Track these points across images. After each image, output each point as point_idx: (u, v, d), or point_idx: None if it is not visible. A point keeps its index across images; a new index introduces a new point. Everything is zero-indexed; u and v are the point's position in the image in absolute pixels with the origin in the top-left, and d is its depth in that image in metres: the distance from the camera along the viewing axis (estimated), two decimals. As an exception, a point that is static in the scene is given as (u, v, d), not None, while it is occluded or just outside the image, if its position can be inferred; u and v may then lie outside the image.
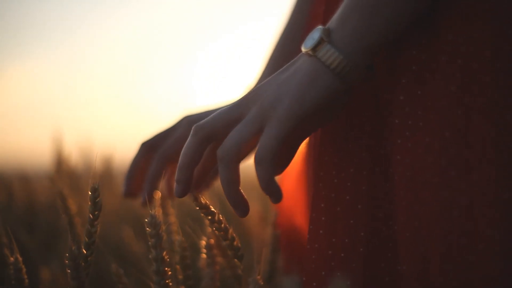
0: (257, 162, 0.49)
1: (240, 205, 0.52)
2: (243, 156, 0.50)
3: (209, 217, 0.55)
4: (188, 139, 0.52)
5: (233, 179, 0.50)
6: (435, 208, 0.48)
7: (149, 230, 0.55)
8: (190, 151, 0.52)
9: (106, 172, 1.38)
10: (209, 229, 0.62)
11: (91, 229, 0.56)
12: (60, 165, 1.39)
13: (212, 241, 0.62)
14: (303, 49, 0.51)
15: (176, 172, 0.53)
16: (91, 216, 0.56)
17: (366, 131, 0.53)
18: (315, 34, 0.50)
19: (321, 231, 0.53)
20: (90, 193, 0.55)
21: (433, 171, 0.49)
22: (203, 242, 0.62)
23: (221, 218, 0.56)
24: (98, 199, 0.55)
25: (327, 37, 0.49)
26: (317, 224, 0.53)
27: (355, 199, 0.52)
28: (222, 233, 0.56)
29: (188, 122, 0.66)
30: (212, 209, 0.55)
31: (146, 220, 0.54)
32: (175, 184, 0.53)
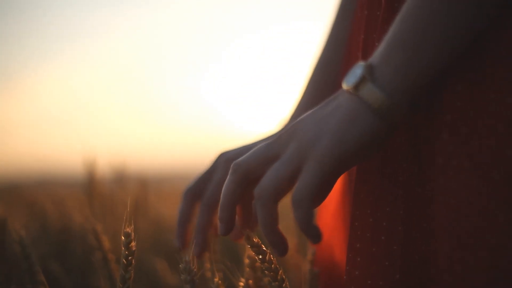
0: (295, 203, 0.47)
1: (279, 245, 0.50)
2: (280, 195, 0.48)
3: (260, 256, 0.53)
4: (227, 178, 0.51)
5: (270, 219, 0.49)
6: (481, 254, 0.46)
7: (183, 276, 0.53)
8: (229, 191, 0.51)
9: (140, 196, 1.37)
10: (247, 269, 0.60)
11: (125, 275, 0.54)
12: (92, 187, 1.39)
13: (250, 282, 0.60)
14: (344, 86, 0.48)
15: (219, 211, 0.52)
16: (124, 261, 0.54)
17: (403, 169, 0.51)
18: (357, 71, 0.48)
19: (356, 272, 0.51)
20: (123, 238, 0.54)
21: (480, 216, 0.46)
22: (241, 284, 0.60)
23: (272, 258, 0.54)
24: (132, 244, 0.54)
25: (369, 75, 0.47)
26: (353, 265, 0.52)
27: (390, 239, 0.50)
28: (272, 273, 0.54)
29: (225, 160, 0.64)
30: (264, 248, 0.54)
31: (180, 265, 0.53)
32: (219, 224, 0.53)
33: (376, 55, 0.48)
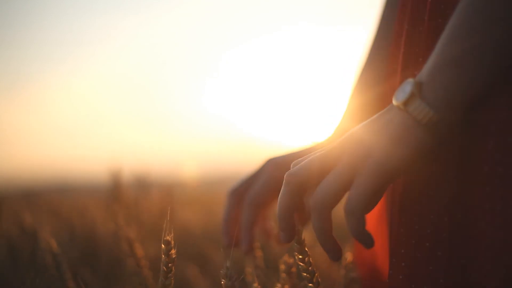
0: (348, 212, 0.49)
1: (334, 251, 0.53)
2: (334, 205, 0.51)
3: (300, 256, 0.55)
4: (282, 188, 0.53)
5: (326, 227, 0.51)
6: None
7: (224, 281, 0.54)
8: (285, 201, 0.53)
9: (165, 202, 1.38)
10: (283, 275, 0.61)
11: (165, 282, 0.55)
12: (117, 194, 1.40)
13: (286, 287, 0.60)
14: (394, 102, 0.50)
15: (278, 222, 0.54)
16: (164, 268, 0.55)
17: (448, 177, 0.51)
18: (407, 88, 0.49)
19: (400, 277, 0.52)
20: (163, 245, 0.54)
21: None
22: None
23: (311, 260, 0.55)
24: (172, 251, 0.54)
25: (418, 92, 0.49)
26: (397, 269, 0.53)
27: (435, 245, 0.51)
28: (308, 275, 0.55)
29: (273, 164, 0.67)
30: (306, 249, 0.55)
31: (221, 271, 0.54)
32: (280, 232, 0.54)
33: (424, 72, 0.50)
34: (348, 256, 0.67)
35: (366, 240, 0.50)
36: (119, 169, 1.35)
